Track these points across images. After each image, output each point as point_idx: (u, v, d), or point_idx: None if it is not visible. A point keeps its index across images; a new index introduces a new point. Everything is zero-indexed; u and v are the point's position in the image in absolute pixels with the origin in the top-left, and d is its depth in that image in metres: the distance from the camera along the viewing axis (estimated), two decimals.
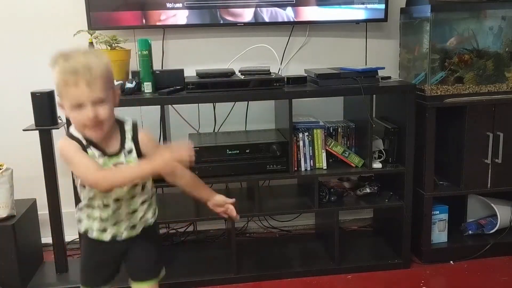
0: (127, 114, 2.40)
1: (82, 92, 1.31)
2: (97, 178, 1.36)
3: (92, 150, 1.41)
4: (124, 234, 1.51)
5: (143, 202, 1.52)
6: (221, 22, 2.41)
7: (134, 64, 2.25)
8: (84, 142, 1.40)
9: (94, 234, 1.50)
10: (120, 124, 1.47)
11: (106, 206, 1.47)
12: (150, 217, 1.55)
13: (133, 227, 1.52)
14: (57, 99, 1.42)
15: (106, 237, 1.50)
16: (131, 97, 2.10)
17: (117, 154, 1.44)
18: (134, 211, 1.51)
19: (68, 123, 1.73)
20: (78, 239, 2.21)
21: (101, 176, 1.36)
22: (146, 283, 1.57)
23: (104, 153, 1.43)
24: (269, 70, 2.24)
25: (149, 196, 1.54)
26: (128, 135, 1.46)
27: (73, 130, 1.43)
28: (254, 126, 2.60)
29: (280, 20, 2.45)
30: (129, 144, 1.46)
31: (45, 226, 2.36)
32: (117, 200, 1.46)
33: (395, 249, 2.42)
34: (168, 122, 2.27)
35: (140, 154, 1.46)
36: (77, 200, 1.57)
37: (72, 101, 1.33)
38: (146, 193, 1.52)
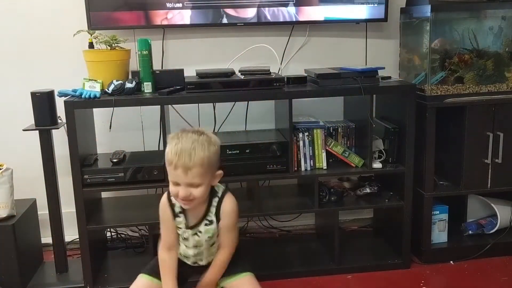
0: (127, 114, 2.44)
1: (178, 175, 1.50)
2: (159, 254, 1.68)
3: (180, 219, 1.65)
4: (203, 262, 1.74)
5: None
6: (221, 22, 2.41)
7: (134, 64, 2.25)
8: (177, 209, 1.64)
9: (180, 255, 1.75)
10: (211, 193, 1.64)
11: (188, 246, 1.71)
12: None
13: (212, 254, 1.73)
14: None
15: (188, 261, 1.75)
16: (131, 97, 2.10)
17: (197, 224, 1.65)
18: (211, 254, 1.72)
19: None
20: (78, 239, 2.21)
21: (160, 256, 1.68)
22: (241, 274, 1.73)
23: (188, 226, 1.65)
24: (269, 70, 2.24)
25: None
26: (213, 209, 1.64)
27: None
28: (254, 126, 2.60)
29: (281, 19, 2.45)
30: (211, 216, 1.64)
31: (45, 226, 2.36)
32: (195, 246, 1.69)
33: (395, 249, 2.42)
34: (168, 122, 2.27)
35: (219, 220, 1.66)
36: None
37: (171, 177, 1.54)
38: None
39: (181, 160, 1.48)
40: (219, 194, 1.65)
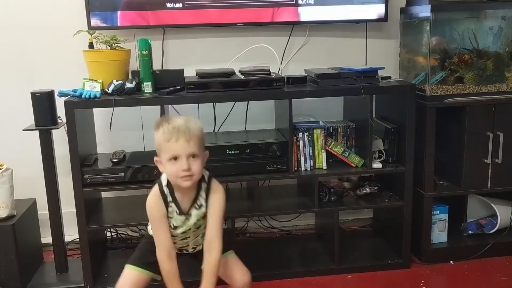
0: (127, 114, 2.44)
1: (181, 146, 1.58)
2: (162, 266, 1.68)
3: (172, 207, 1.69)
4: (190, 251, 1.83)
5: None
6: (221, 22, 2.41)
7: (134, 64, 2.26)
8: (168, 198, 1.69)
9: None
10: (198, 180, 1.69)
11: (176, 236, 1.75)
12: None
13: (199, 245, 1.80)
14: (155, 158, 1.67)
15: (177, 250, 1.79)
16: (131, 97, 2.10)
17: (188, 210, 1.71)
18: (200, 241, 1.78)
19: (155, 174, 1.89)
20: (78, 239, 2.21)
21: (164, 269, 1.68)
22: (228, 253, 1.79)
23: (180, 210, 1.70)
24: (269, 70, 2.24)
25: None
26: (203, 193, 1.71)
27: (163, 181, 1.70)
28: (254, 126, 2.60)
29: (282, 20, 2.45)
30: (201, 201, 1.71)
31: (45, 226, 2.36)
32: (184, 232, 1.74)
33: (395, 249, 2.42)
34: None
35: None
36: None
37: (170, 154, 1.59)
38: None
39: (181, 132, 1.58)
40: (206, 179, 1.72)
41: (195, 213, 1.71)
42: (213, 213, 1.70)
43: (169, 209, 1.70)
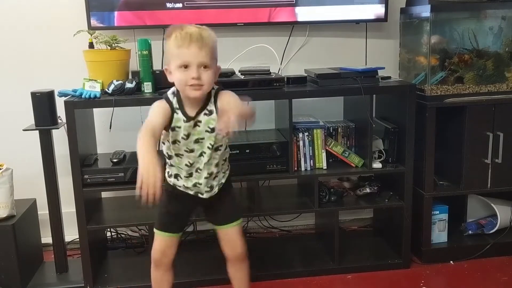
0: (127, 114, 2.44)
1: (192, 53, 1.54)
2: (142, 135, 1.50)
3: (178, 115, 1.64)
4: (204, 195, 1.75)
5: (223, 162, 1.77)
6: (221, 22, 2.41)
7: (134, 64, 2.25)
8: (175, 105, 1.64)
9: (181, 187, 1.75)
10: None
11: (191, 151, 1.69)
12: (222, 178, 1.79)
13: (211, 187, 1.75)
14: (164, 67, 1.64)
15: (191, 191, 1.75)
16: (131, 97, 2.10)
17: (197, 115, 1.65)
18: (213, 171, 1.73)
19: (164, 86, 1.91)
20: (78, 239, 2.21)
21: (140, 135, 1.49)
22: (233, 223, 1.82)
23: (187, 117, 1.64)
24: (269, 70, 2.24)
25: (227, 158, 1.81)
26: (212, 99, 1.66)
27: (170, 93, 1.66)
28: (254, 126, 2.59)
29: (282, 20, 2.45)
30: (211, 106, 1.66)
31: (45, 226, 2.36)
32: (196, 141, 1.67)
33: (395, 249, 2.42)
34: None
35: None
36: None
37: (181, 61, 1.55)
38: (226, 154, 1.79)
39: (193, 38, 1.54)
40: (215, 88, 1.68)
41: (205, 120, 1.65)
42: (227, 104, 1.60)
43: (175, 115, 1.64)
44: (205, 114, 1.66)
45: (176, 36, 1.56)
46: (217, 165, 1.73)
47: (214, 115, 1.66)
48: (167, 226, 1.78)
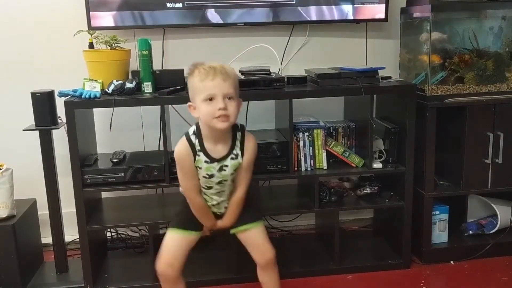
0: (127, 114, 2.44)
1: (216, 84, 1.58)
2: (192, 198, 1.75)
3: (200, 157, 1.69)
4: (222, 210, 1.84)
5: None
6: (221, 22, 2.41)
7: (134, 64, 2.25)
8: (197, 147, 1.68)
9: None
10: (233, 129, 1.72)
11: (209, 188, 1.77)
12: None
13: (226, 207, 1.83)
14: (188, 104, 1.68)
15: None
16: (131, 97, 2.10)
17: (224, 158, 1.71)
18: (228, 195, 1.81)
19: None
20: (78, 239, 2.21)
21: (194, 200, 1.75)
22: (248, 225, 1.81)
23: (211, 159, 1.69)
24: (269, 70, 2.24)
25: None
26: (238, 143, 1.72)
27: (190, 131, 1.71)
28: (254, 126, 2.60)
29: (282, 19, 2.45)
30: (237, 150, 1.72)
31: (45, 226, 2.36)
32: (219, 182, 1.75)
33: (395, 249, 2.42)
34: (168, 122, 2.27)
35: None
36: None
37: (206, 94, 1.59)
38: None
39: (217, 71, 1.59)
40: (239, 129, 1.74)
41: (231, 164, 1.71)
42: (245, 162, 1.73)
43: (197, 157, 1.69)
44: (232, 158, 1.72)
45: (199, 71, 1.61)
46: (229, 187, 1.80)
47: (239, 159, 1.73)
48: (187, 224, 1.79)
